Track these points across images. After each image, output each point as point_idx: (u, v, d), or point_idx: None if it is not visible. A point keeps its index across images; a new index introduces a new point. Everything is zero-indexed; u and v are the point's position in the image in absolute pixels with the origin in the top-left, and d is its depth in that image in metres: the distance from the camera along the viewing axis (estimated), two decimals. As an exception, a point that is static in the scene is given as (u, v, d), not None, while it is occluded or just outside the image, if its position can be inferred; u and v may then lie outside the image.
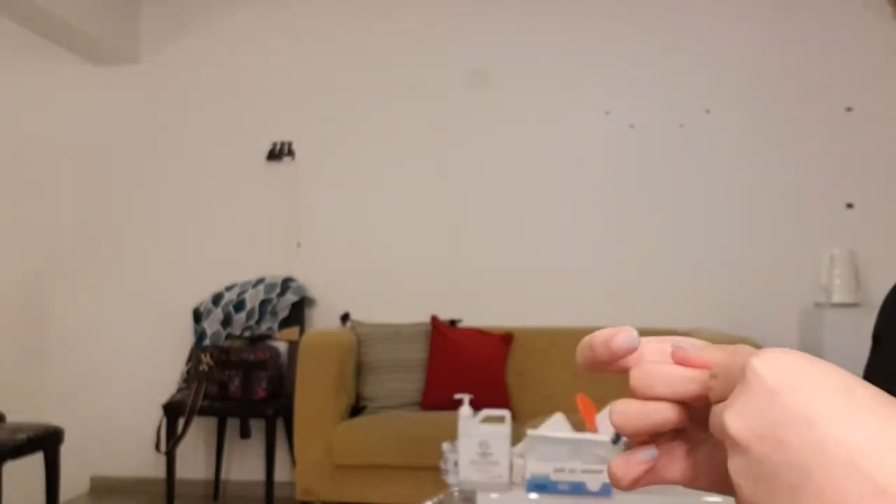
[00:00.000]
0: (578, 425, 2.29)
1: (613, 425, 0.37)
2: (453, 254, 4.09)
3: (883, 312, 0.69)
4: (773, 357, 0.30)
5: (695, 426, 0.37)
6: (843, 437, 0.27)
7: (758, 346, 0.36)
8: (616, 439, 2.04)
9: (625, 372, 0.37)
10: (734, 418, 0.30)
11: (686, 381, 0.35)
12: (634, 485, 0.37)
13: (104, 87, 4.34)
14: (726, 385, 0.32)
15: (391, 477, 3.28)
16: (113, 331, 4.23)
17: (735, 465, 0.30)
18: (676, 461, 0.37)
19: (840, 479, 0.27)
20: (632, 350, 0.37)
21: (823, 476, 0.27)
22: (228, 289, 4.05)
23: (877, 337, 0.69)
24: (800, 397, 0.29)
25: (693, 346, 0.37)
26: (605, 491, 2.01)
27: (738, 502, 0.31)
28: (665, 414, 0.36)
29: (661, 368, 0.36)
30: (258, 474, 4.04)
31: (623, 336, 0.37)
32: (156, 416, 3.95)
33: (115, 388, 4.20)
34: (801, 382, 0.29)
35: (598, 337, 0.38)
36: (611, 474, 0.37)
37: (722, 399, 0.33)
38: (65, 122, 4.35)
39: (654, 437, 0.37)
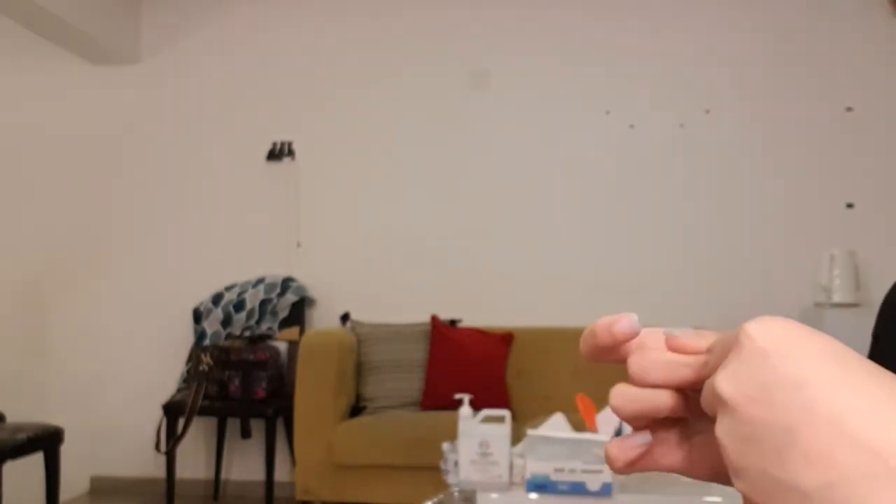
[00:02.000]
0: (578, 425, 2.29)
1: (612, 408, 0.37)
2: (453, 254, 4.09)
3: (882, 312, 0.69)
4: (767, 322, 0.31)
5: (693, 416, 0.37)
6: (831, 399, 0.27)
7: None
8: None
9: (625, 361, 0.38)
10: (725, 380, 0.30)
11: (680, 366, 0.36)
12: (630, 468, 0.38)
13: (104, 87, 4.34)
14: (720, 357, 0.33)
15: (391, 477, 3.28)
16: (113, 331, 4.23)
17: (723, 427, 0.30)
18: (674, 449, 0.38)
19: (826, 439, 0.27)
20: (633, 335, 0.37)
21: (810, 437, 0.27)
22: (228, 289, 4.06)
23: (876, 336, 0.69)
24: (791, 361, 0.29)
25: (685, 334, 0.37)
26: (605, 491, 2.01)
27: (725, 464, 0.31)
28: (661, 399, 0.36)
29: (657, 355, 0.36)
30: (258, 474, 4.04)
31: (625, 321, 0.37)
32: (156, 416, 3.95)
33: (115, 388, 4.20)
34: (794, 347, 0.29)
35: (600, 323, 0.38)
36: (606, 456, 0.38)
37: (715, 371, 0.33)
38: (65, 122, 4.35)
39: (652, 425, 0.38)
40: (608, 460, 0.38)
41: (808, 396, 0.28)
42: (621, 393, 0.37)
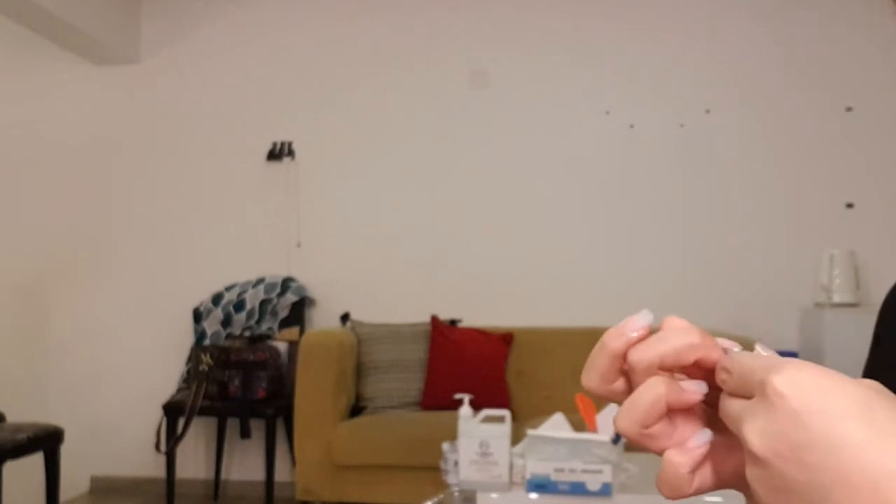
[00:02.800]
0: (578, 425, 2.29)
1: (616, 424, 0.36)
2: (453, 254, 4.09)
3: (883, 312, 0.69)
4: (795, 375, 0.30)
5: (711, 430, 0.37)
6: (867, 465, 0.28)
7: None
8: (616, 439, 2.04)
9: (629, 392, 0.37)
10: (755, 436, 0.30)
11: (683, 333, 0.36)
12: (692, 481, 0.35)
13: (104, 87, 4.34)
14: (740, 387, 0.33)
15: (391, 477, 3.28)
16: (113, 331, 4.23)
17: (754, 475, 0.31)
18: (729, 454, 0.37)
19: (861, 501, 0.27)
20: (647, 329, 0.37)
21: (845, 498, 0.28)
22: (228, 289, 4.06)
23: (877, 337, 0.69)
24: (823, 421, 0.29)
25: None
26: (604, 491, 2.01)
27: (750, 491, 0.31)
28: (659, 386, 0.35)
29: (655, 335, 0.36)
30: (258, 474, 4.04)
31: (637, 317, 0.37)
32: (156, 416, 3.95)
33: (115, 388, 4.20)
34: (824, 405, 0.29)
35: (608, 333, 0.37)
36: (667, 466, 0.35)
37: (734, 394, 0.33)
38: (65, 122, 4.35)
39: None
40: (671, 471, 0.35)
41: (842, 460, 0.28)
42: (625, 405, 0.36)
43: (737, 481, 0.36)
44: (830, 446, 0.28)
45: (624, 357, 0.37)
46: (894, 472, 0.27)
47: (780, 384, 0.30)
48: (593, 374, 0.38)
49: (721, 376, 0.34)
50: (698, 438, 0.35)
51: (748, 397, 0.32)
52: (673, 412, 0.36)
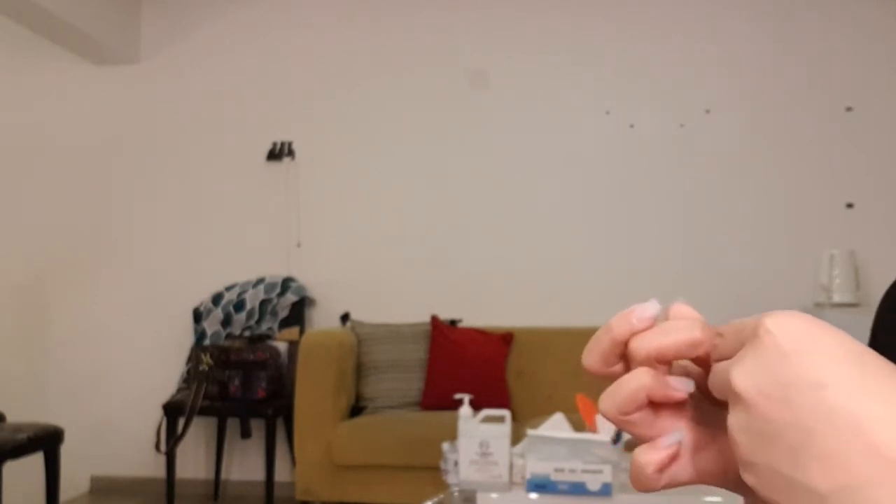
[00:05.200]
0: (578, 425, 2.29)
1: (602, 411, 0.36)
2: (453, 254, 4.09)
3: (880, 311, 0.69)
4: (787, 318, 0.30)
5: (697, 425, 0.37)
6: (851, 404, 0.28)
7: None
8: (616, 439, 2.04)
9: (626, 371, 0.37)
10: (742, 375, 0.30)
11: (682, 330, 0.36)
12: (661, 478, 0.36)
13: (104, 87, 4.34)
14: (733, 344, 0.33)
15: (391, 477, 3.28)
16: (113, 331, 4.23)
17: (737, 421, 0.31)
18: (705, 452, 0.37)
19: (844, 443, 0.27)
20: (653, 318, 0.37)
21: (827, 439, 0.27)
22: (228, 289, 4.06)
23: (874, 334, 0.69)
24: (811, 361, 0.29)
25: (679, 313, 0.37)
26: (604, 491, 2.01)
27: (736, 458, 0.31)
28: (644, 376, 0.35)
29: (659, 327, 0.36)
30: (258, 474, 4.04)
31: (646, 305, 0.37)
32: (156, 416, 3.95)
33: (115, 388, 4.20)
34: (814, 346, 0.29)
35: (615, 318, 0.37)
36: (634, 466, 0.36)
37: (725, 358, 0.33)
38: (65, 122, 4.35)
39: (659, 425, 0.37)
40: (637, 470, 0.35)
41: (827, 399, 0.28)
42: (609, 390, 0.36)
43: (719, 478, 0.36)
44: (816, 385, 0.28)
45: (626, 343, 0.37)
46: (879, 415, 0.27)
47: (771, 324, 0.30)
48: (594, 355, 0.38)
49: (715, 342, 0.34)
50: (668, 438, 0.35)
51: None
52: (659, 404, 0.36)
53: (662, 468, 0.35)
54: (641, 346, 0.36)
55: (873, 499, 0.26)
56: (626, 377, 0.36)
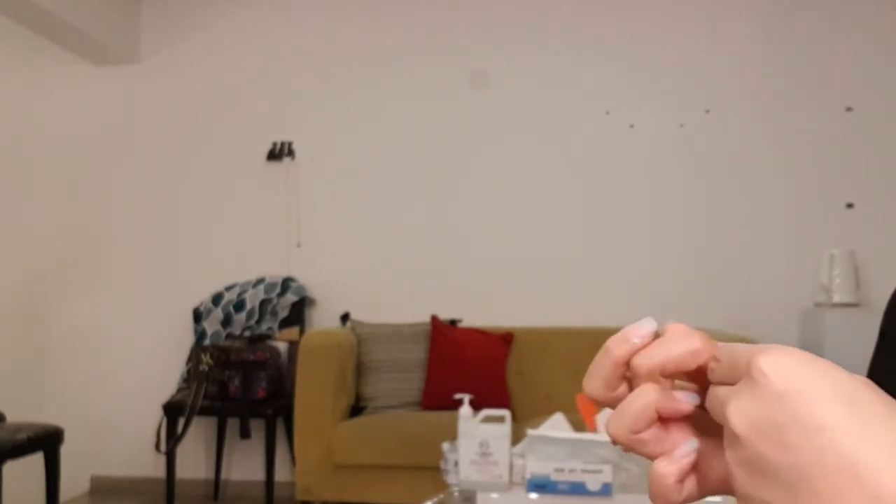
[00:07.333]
0: (578, 425, 2.29)
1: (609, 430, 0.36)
2: (453, 254, 4.09)
3: (890, 309, 0.69)
4: (780, 357, 0.31)
5: (705, 437, 0.37)
6: (846, 447, 0.28)
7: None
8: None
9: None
10: (738, 415, 0.31)
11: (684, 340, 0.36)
12: (681, 489, 0.35)
13: (104, 87, 4.34)
14: (728, 373, 0.33)
15: (391, 477, 3.28)
16: (113, 331, 4.23)
17: (734, 456, 0.31)
18: (699, 472, 0.37)
19: (839, 485, 0.27)
20: (651, 335, 0.37)
21: (822, 479, 0.28)
22: (228, 289, 4.06)
23: (883, 332, 0.69)
24: (806, 402, 0.29)
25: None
26: (605, 491, 2.01)
27: (734, 490, 0.31)
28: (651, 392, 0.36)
29: (658, 341, 0.37)
30: (258, 474, 4.04)
31: (642, 323, 0.37)
32: (156, 416, 3.95)
33: (115, 388, 4.20)
34: (808, 387, 0.29)
35: (612, 339, 0.37)
36: (654, 476, 0.36)
37: (722, 382, 0.33)
38: (65, 121, 4.35)
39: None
40: (657, 482, 0.35)
41: (823, 442, 0.28)
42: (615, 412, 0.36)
43: (725, 486, 0.36)
44: (810, 427, 0.29)
45: (627, 363, 0.37)
46: (872, 460, 0.27)
47: (765, 364, 0.30)
48: (596, 381, 0.38)
49: (711, 365, 0.35)
50: (685, 448, 0.36)
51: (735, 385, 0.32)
52: (666, 419, 0.36)
53: (683, 478, 0.35)
54: (644, 361, 0.36)
55: None
56: (632, 396, 0.36)
